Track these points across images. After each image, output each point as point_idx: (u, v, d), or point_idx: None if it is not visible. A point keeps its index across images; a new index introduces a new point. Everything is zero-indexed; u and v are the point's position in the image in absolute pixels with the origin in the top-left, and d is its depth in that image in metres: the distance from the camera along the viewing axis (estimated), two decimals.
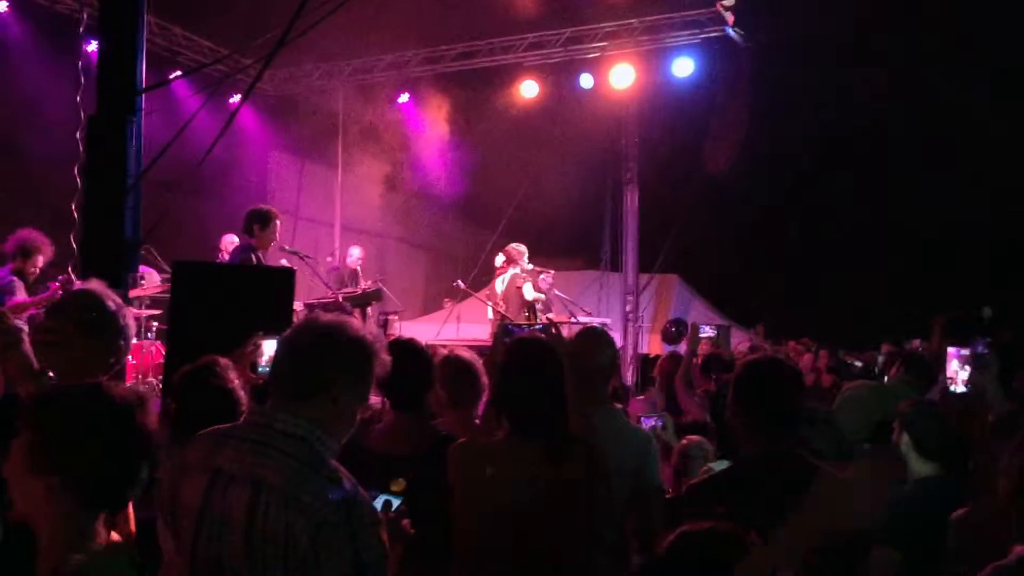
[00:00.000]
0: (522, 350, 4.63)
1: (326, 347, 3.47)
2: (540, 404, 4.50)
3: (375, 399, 4.60)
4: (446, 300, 19.29)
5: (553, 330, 10.73)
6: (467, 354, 5.56)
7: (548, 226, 19.68)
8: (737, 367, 4.60)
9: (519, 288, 14.66)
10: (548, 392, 4.51)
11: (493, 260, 15.77)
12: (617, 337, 14.34)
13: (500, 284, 15.04)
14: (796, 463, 4.24)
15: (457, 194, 22.36)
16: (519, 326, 12.62)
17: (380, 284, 14.65)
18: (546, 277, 14.97)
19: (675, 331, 18.17)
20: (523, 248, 15.01)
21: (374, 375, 3.52)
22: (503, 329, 12.19)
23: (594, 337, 5.51)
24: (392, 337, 6.15)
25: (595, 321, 15.20)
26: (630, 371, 18.40)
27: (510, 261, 14.97)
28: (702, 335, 13.86)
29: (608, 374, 5.45)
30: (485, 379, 5.46)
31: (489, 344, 12.63)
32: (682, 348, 11.87)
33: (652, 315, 22.03)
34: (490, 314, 14.96)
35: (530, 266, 14.87)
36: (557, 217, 20.19)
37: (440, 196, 22.70)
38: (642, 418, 7.58)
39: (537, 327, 12.72)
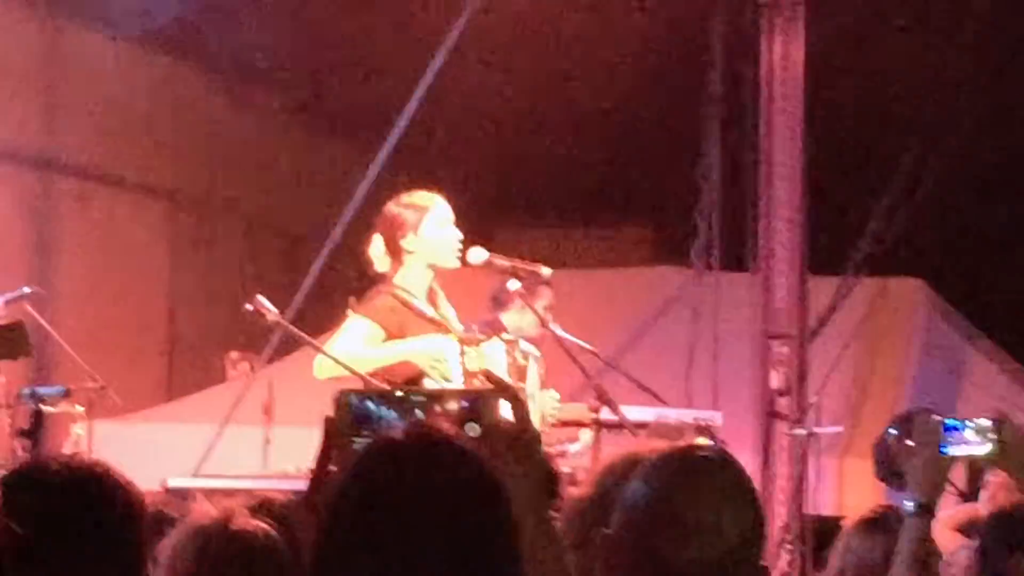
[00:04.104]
0: (386, 481, 1.66)
1: None
2: None
3: None
4: (231, 357, 9.85)
5: (511, 404, 2.40)
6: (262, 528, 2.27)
7: (525, 150, 9.45)
8: None
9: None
10: None
11: (365, 246, 5.16)
12: (746, 462, 3.44)
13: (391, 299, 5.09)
14: None
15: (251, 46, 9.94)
16: (404, 398, 2.60)
17: (26, 303, 6.97)
18: (536, 282, 5.92)
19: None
20: (433, 202, 5.04)
21: None
22: (346, 408, 2.51)
23: (686, 476, 2.00)
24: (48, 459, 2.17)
25: (677, 416, 6.55)
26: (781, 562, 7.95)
27: (393, 231, 5.00)
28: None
29: None
30: None
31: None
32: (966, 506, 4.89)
33: (848, 399, 9.14)
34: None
35: (481, 255, 5.18)
36: (557, 124, 9.50)
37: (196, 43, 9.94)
38: None
39: (455, 403, 2.47)
